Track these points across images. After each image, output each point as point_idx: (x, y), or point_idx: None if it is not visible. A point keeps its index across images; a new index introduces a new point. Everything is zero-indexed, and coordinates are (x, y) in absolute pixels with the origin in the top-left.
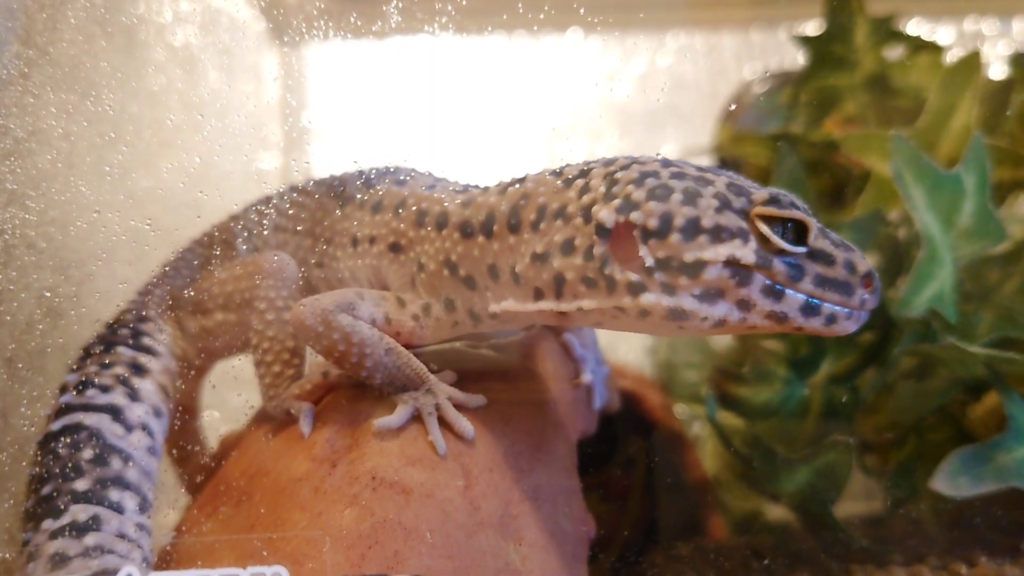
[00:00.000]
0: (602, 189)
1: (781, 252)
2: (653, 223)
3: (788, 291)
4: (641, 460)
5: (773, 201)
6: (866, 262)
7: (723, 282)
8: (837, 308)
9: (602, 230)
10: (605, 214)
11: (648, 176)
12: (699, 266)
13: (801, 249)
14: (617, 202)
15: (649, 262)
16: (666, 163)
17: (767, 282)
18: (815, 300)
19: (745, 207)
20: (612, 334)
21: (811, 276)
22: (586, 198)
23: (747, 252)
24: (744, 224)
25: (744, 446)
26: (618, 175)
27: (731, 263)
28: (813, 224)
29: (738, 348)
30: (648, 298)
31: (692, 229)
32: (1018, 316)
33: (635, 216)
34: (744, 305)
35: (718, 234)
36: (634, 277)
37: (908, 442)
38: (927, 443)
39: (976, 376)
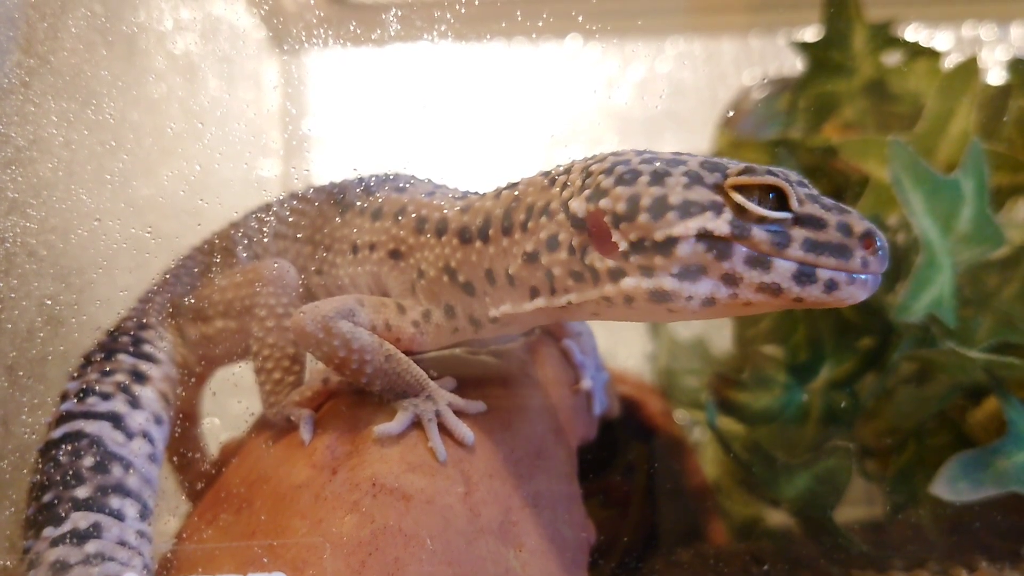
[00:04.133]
0: (579, 182)
1: (763, 220)
2: (621, 207)
3: (776, 260)
4: (641, 466)
5: (747, 171)
6: (865, 223)
7: (700, 257)
8: (835, 273)
9: (577, 221)
10: (576, 204)
11: (618, 164)
12: (671, 243)
13: (784, 215)
14: (587, 192)
15: (623, 246)
16: (642, 152)
17: (750, 252)
18: (808, 267)
19: (719, 181)
20: (612, 340)
21: (799, 242)
22: (565, 193)
23: (720, 223)
24: (717, 197)
25: (744, 452)
26: (593, 167)
27: (704, 236)
28: (790, 189)
29: (738, 354)
30: (628, 282)
31: (659, 207)
32: (1017, 321)
33: (604, 203)
34: (730, 280)
35: (687, 209)
36: (612, 264)
37: (908, 447)
38: (927, 448)
39: (975, 381)
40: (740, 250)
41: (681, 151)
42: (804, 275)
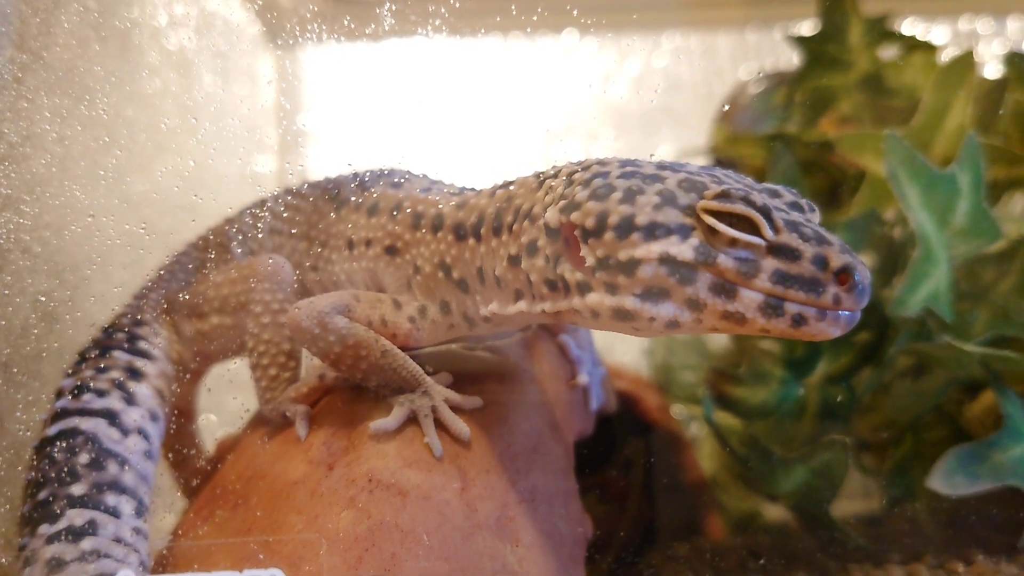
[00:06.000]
0: (560, 190)
1: (734, 243)
2: (590, 222)
3: (742, 289)
4: (638, 461)
5: (722, 195)
6: (844, 257)
7: (662, 280)
8: (803, 308)
9: (550, 231)
10: (550, 214)
11: (597, 176)
12: (633, 264)
13: (757, 240)
14: (563, 202)
15: (590, 261)
16: (625, 163)
17: (715, 279)
18: (775, 299)
19: (693, 202)
20: (609, 335)
21: (768, 272)
22: (548, 199)
23: (684, 249)
24: (687, 220)
25: (741, 446)
26: (576, 176)
27: (666, 261)
28: (761, 219)
29: (734, 349)
30: (593, 297)
31: (626, 227)
32: (1013, 315)
33: (575, 216)
34: (694, 305)
35: (652, 231)
36: (580, 277)
37: (905, 441)
38: (923, 442)
39: (972, 375)
40: (704, 276)
41: (676, 159)
42: (770, 307)
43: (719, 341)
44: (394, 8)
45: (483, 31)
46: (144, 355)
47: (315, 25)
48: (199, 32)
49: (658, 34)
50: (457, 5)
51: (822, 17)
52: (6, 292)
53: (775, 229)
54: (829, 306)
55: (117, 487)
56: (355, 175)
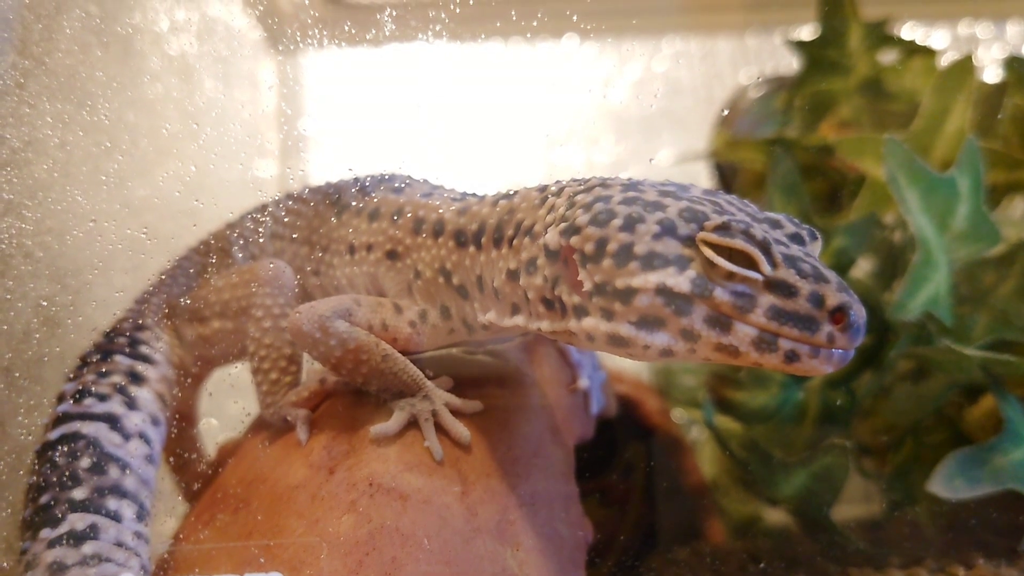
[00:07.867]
0: (561, 211)
1: (732, 276)
2: (589, 248)
3: (737, 323)
4: (639, 465)
5: (722, 228)
6: (840, 296)
7: (658, 310)
8: (797, 345)
9: (550, 252)
10: (550, 236)
11: (599, 200)
12: (630, 293)
13: (755, 275)
14: (564, 225)
15: (587, 286)
16: (628, 187)
17: (710, 312)
18: (769, 334)
19: (692, 233)
20: None
21: (764, 308)
22: (549, 217)
23: (681, 281)
24: (685, 251)
25: (741, 450)
26: (578, 197)
27: (663, 291)
28: (759, 255)
29: None
30: (589, 322)
31: (624, 255)
32: (1013, 318)
33: (575, 240)
34: (688, 335)
35: (650, 261)
36: (577, 300)
37: (905, 445)
38: (924, 446)
39: (972, 379)
40: (700, 309)
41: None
42: (764, 342)
43: None
44: (395, 13)
45: (483, 36)
46: (145, 359)
47: (316, 30)
48: (200, 37)
49: (658, 39)
50: (457, 10)
51: (822, 21)
52: (8, 297)
53: (773, 264)
54: (823, 344)
55: (118, 491)
56: (356, 180)
